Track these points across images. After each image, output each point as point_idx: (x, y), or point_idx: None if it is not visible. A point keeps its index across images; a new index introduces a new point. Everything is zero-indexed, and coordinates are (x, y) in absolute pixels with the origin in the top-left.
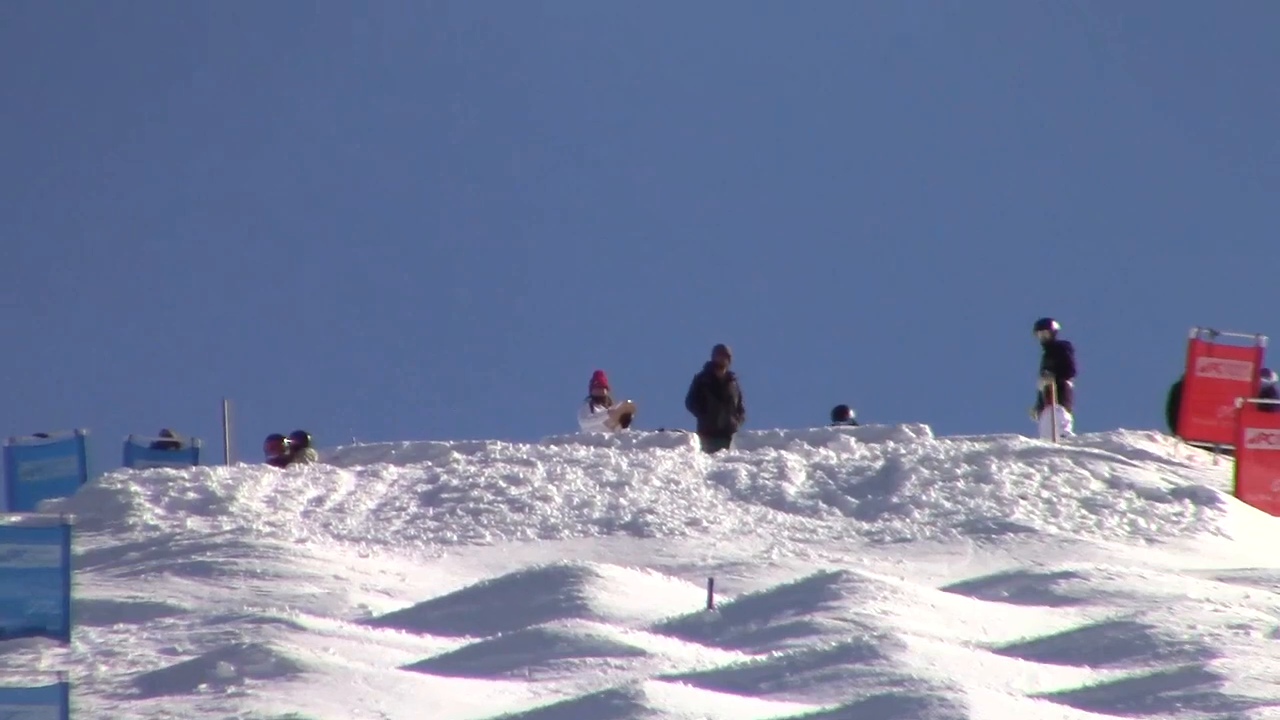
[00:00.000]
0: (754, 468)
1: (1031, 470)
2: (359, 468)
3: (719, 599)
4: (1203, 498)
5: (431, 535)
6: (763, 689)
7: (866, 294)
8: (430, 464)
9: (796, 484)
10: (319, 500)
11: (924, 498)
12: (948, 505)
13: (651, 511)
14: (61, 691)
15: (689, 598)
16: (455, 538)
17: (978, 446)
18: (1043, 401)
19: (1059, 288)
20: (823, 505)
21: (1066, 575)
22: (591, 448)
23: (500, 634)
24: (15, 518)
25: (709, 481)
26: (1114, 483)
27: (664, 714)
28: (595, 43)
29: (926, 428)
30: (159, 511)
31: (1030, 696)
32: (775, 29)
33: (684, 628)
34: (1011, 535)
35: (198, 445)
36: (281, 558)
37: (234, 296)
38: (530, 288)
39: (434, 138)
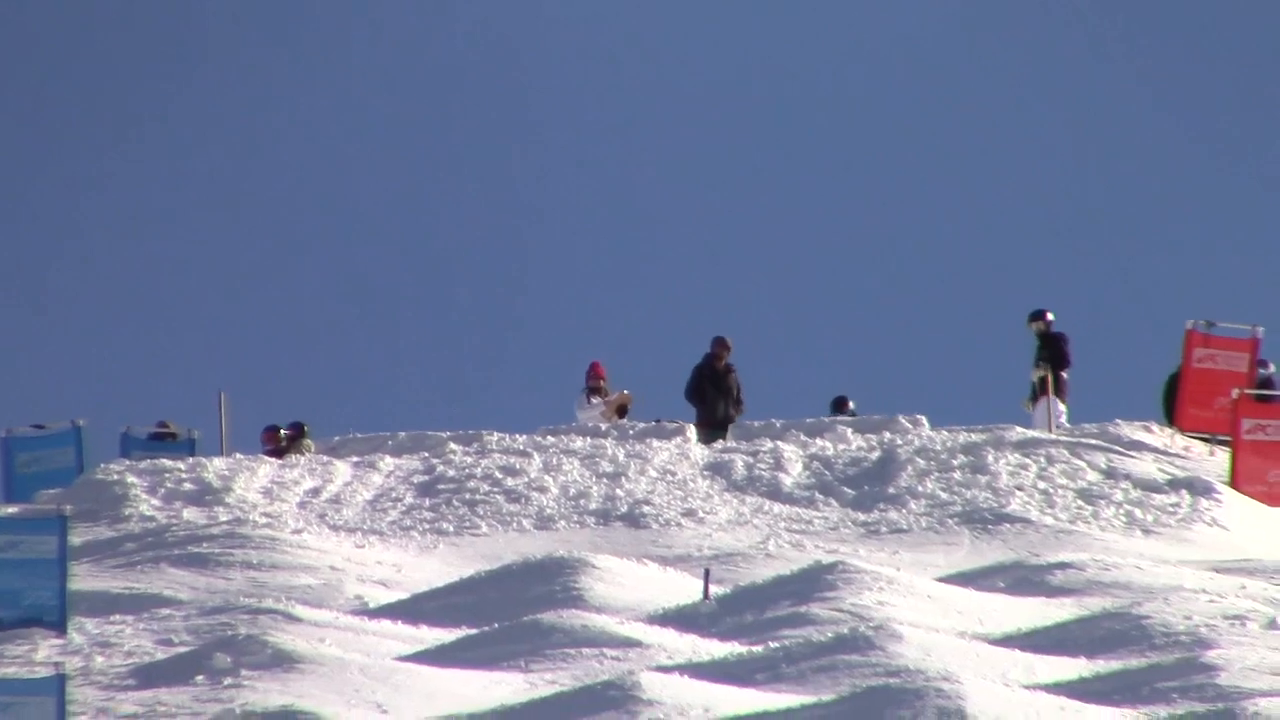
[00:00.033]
0: (750, 458)
1: (1028, 461)
2: (355, 459)
3: (715, 590)
4: (1199, 488)
5: (427, 526)
6: (759, 680)
7: (863, 286)
8: (426, 455)
9: (793, 475)
10: (315, 491)
11: (920, 488)
12: (944, 496)
13: (648, 502)
14: (58, 683)
15: (685, 588)
16: (451, 528)
17: (974, 437)
18: (1037, 392)
19: (1056, 279)
20: (819, 496)
21: (1063, 566)
22: (588, 438)
23: (496, 625)
24: (12, 509)
25: (705, 472)
26: (1110, 474)
27: (660, 705)
28: (593, 41)
29: (923, 418)
30: (155, 502)
31: (1026, 687)
32: (774, 27)
33: (680, 618)
34: (1008, 526)
35: (194, 436)
36: (278, 549)
37: (230, 289)
38: (527, 280)
39: (430, 133)
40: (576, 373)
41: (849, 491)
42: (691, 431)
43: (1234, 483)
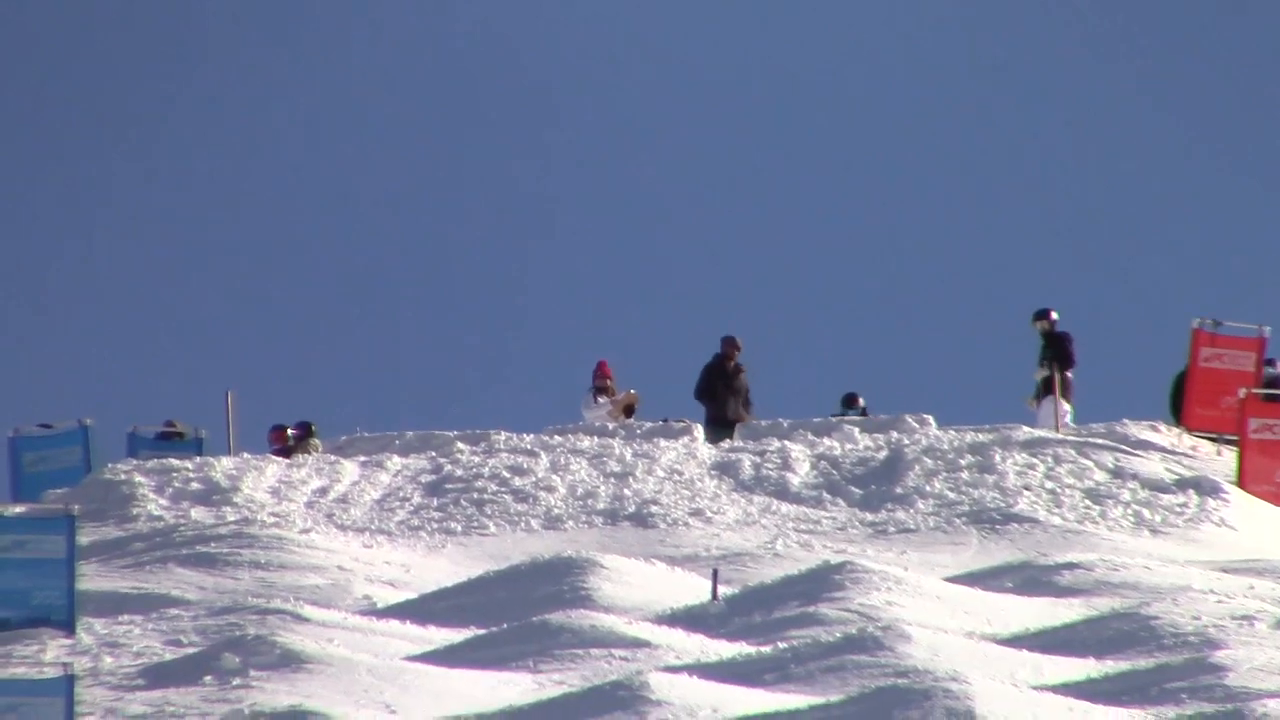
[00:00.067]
0: (758, 458)
1: (1035, 461)
2: (363, 458)
3: (723, 590)
4: (1206, 488)
5: (435, 526)
6: (767, 680)
7: (870, 285)
8: (434, 454)
9: (800, 474)
10: (323, 491)
11: (928, 488)
12: (952, 496)
13: (655, 502)
14: (67, 683)
15: (693, 588)
16: (459, 528)
17: (981, 437)
18: (1040, 392)
19: (1062, 278)
20: (827, 496)
21: (1071, 566)
22: (595, 438)
23: (504, 625)
24: (20, 508)
25: (713, 472)
26: (1118, 473)
27: (668, 705)
28: (594, 41)
29: (930, 418)
30: (163, 502)
31: (1035, 688)
32: (774, 27)
33: (688, 619)
34: (1015, 526)
35: (202, 436)
36: (286, 548)
37: (238, 288)
38: (534, 279)
39: (434, 132)
40: (583, 372)
41: (857, 491)
42: (699, 431)
43: (1241, 482)
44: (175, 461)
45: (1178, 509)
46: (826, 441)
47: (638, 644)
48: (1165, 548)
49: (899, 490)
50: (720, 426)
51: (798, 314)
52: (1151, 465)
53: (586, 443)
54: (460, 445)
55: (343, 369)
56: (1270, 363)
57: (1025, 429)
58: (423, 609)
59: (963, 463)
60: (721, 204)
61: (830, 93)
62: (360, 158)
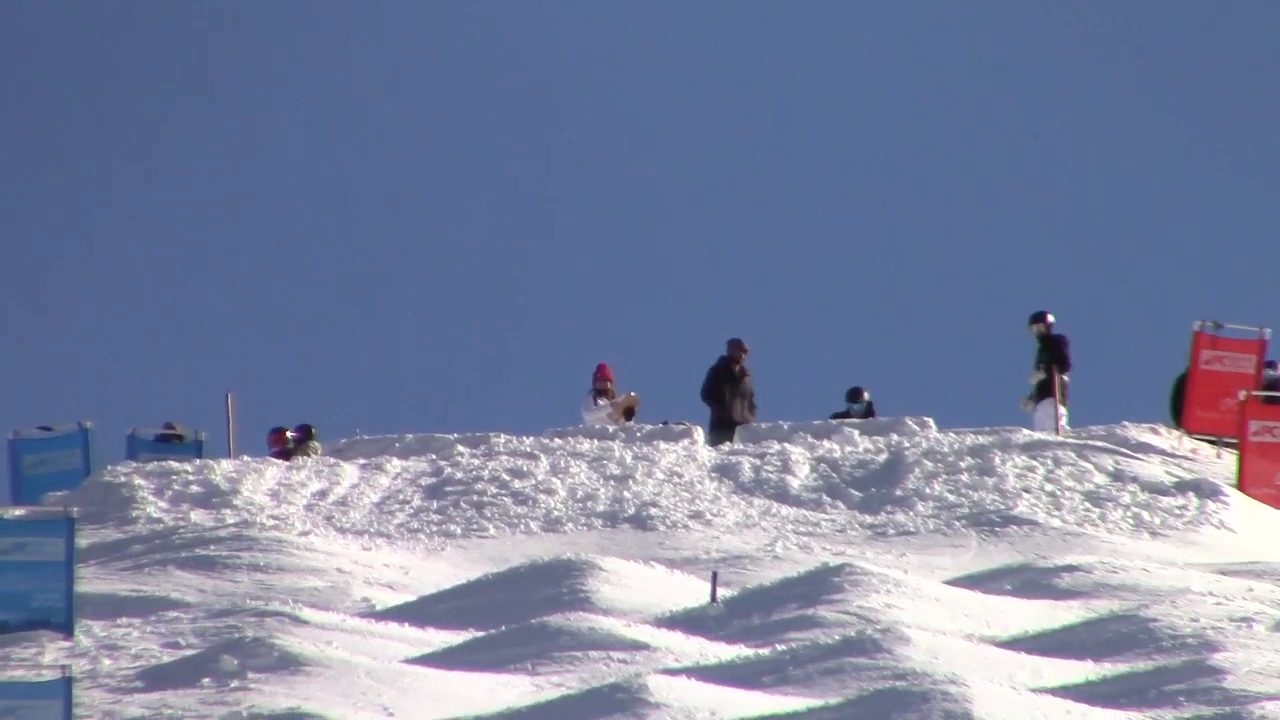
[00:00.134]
0: (757, 461)
1: (1035, 463)
2: (362, 461)
3: (722, 592)
4: (1206, 491)
5: (435, 528)
6: (766, 683)
7: (870, 286)
8: (434, 457)
9: (800, 477)
10: (322, 493)
11: (927, 491)
12: (951, 498)
13: (655, 505)
14: (65, 685)
15: (692, 591)
16: (459, 531)
17: (981, 439)
18: (1036, 394)
19: (1062, 279)
20: (826, 498)
21: (1070, 569)
22: (595, 441)
23: (503, 627)
24: (19, 511)
25: (713, 474)
26: (1117, 476)
27: (667, 708)
28: (595, 41)
29: (930, 420)
30: (162, 505)
31: (1033, 690)
32: (774, 27)
33: (687, 621)
34: (1015, 528)
35: (201, 438)
36: (285, 551)
37: (237, 290)
38: (533, 281)
39: (434, 132)
40: (583, 375)
41: (856, 494)
42: (699, 433)
43: (1241, 485)
44: (175, 464)
45: (1177, 511)
46: (826, 444)
47: (636, 646)
48: (1164, 550)
49: (898, 493)
50: (726, 429)
51: (797, 315)
52: (1151, 468)
53: (586, 445)
54: (460, 448)
55: (342, 371)
56: (1271, 365)
57: (1025, 431)
58: (422, 611)
59: (962, 465)
60: (721, 204)
61: (830, 93)
62: (360, 158)
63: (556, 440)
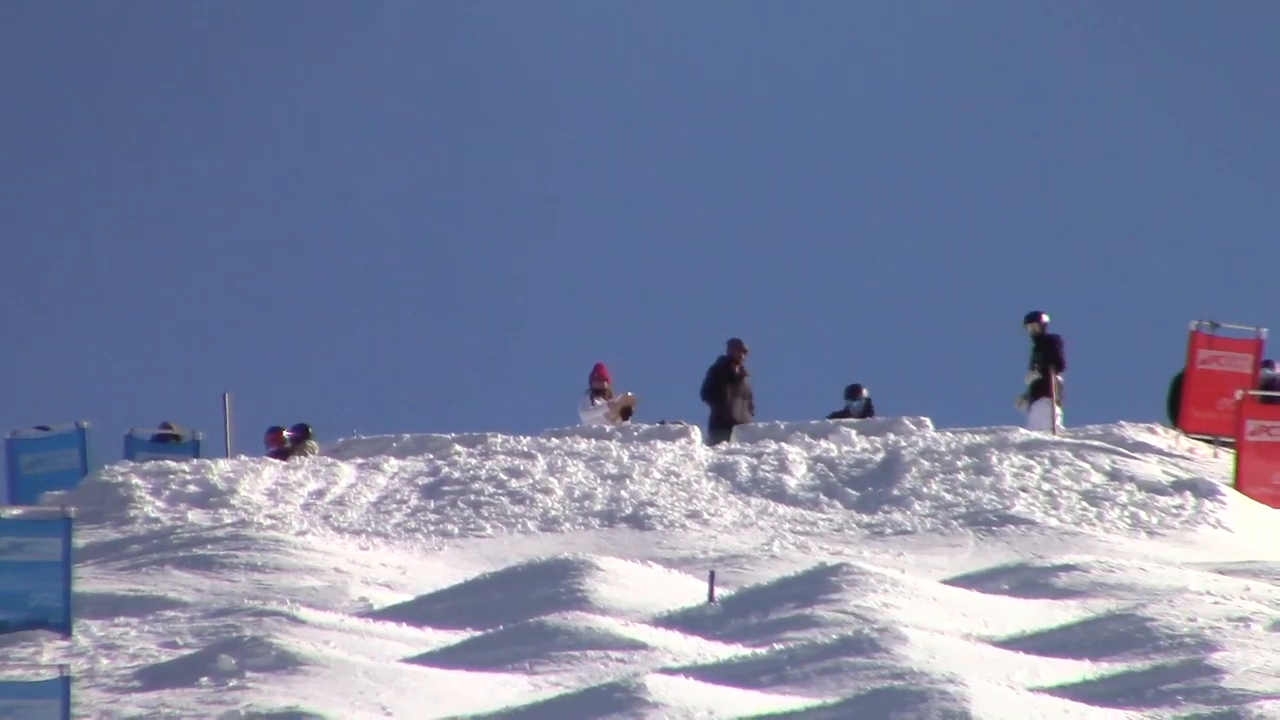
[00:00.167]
0: (755, 460)
1: (1032, 463)
2: (359, 460)
3: (720, 592)
4: (1203, 490)
5: (432, 528)
6: (763, 682)
7: (869, 286)
8: (431, 456)
9: (797, 476)
10: (319, 493)
11: (925, 490)
12: (948, 498)
13: (652, 504)
14: (63, 685)
15: (690, 590)
16: (456, 530)
17: (978, 439)
18: (1030, 394)
19: (1058, 280)
20: (823, 498)
21: (1067, 568)
22: (592, 440)
23: (501, 627)
24: (17, 511)
25: (710, 474)
26: (1114, 475)
27: (665, 707)
28: (594, 41)
29: (927, 420)
30: (160, 504)
31: (1031, 689)
32: (774, 27)
33: (685, 620)
34: (1012, 528)
35: (199, 438)
36: (282, 550)
37: (235, 290)
38: (531, 280)
39: (434, 132)
40: (580, 375)
41: (853, 493)
42: (696, 433)
43: (1238, 484)
44: (172, 464)
45: (1174, 511)
46: (823, 443)
47: (634, 646)
48: (1162, 549)
49: (896, 492)
50: (725, 428)
51: (795, 315)
52: (1148, 467)
53: (584, 445)
54: (457, 447)
55: (340, 370)
56: (1268, 364)
57: (1022, 431)
58: (419, 611)
59: (959, 464)
60: (721, 204)
61: (830, 93)
62: (360, 158)
63: (554, 440)
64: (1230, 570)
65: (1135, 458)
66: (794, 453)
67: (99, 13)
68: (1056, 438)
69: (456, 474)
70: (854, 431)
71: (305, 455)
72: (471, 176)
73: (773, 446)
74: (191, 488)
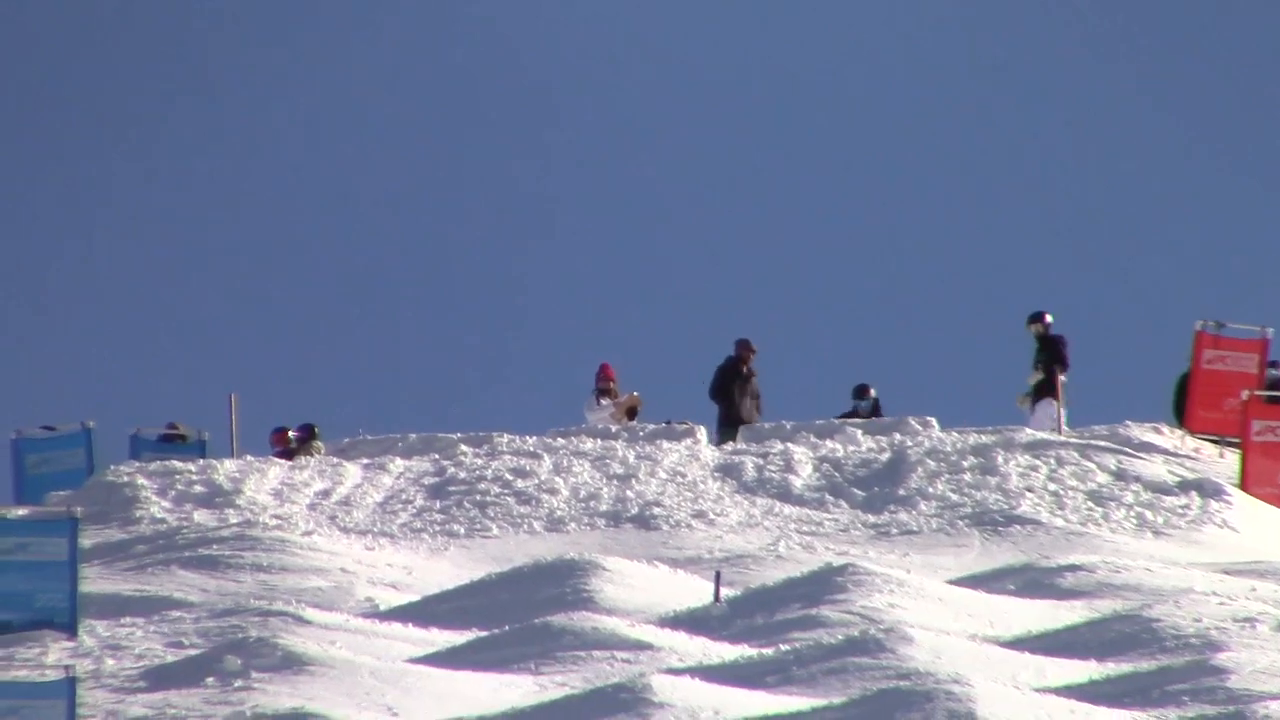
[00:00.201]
0: (760, 460)
1: (1038, 463)
2: (365, 460)
3: (726, 592)
4: (1209, 490)
5: (438, 528)
6: (769, 682)
7: (872, 285)
8: (437, 457)
9: (803, 476)
10: (325, 493)
11: (930, 490)
12: (954, 498)
13: (658, 504)
14: (69, 685)
15: (696, 591)
16: (462, 530)
17: (984, 439)
18: (1033, 394)
19: (1063, 279)
20: (829, 498)
21: (1073, 568)
22: (598, 440)
23: (507, 627)
24: (22, 511)
25: (716, 474)
26: (1120, 475)
27: (671, 707)
28: (595, 40)
29: (933, 420)
30: (166, 504)
31: (1037, 690)
32: (774, 27)
33: (691, 621)
34: (1018, 528)
35: (204, 438)
36: (288, 551)
37: (240, 290)
38: (536, 280)
39: (434, 132)
40: (584, 375)
41: (859, 493)
42: (702, 433)
43: (1244, 484)
44: (178, 464)
45: (1180, 511)
46: (829, 443)
47: (640, 646)
48: (1167, 550)
49: (901, 492)
50: (734, 428)
51: (799, 315)
52: (1154, 467)
53: (589, 445)
54: (463, 447)
55: (345, 370)
56: (1274, 365)
57: (1028, 431)
58: (425, 611)
59: (965, 464)
60: (722, 204)
61: (830, 93)
62: (360, 158)
63: (559, 440)
64: (1236, 570)
65: (1141, 458)
66: (800, 453)
67: (99, 13)
68: (1062, 438)
69: (462, 474)
70: (860, 431)
71: (311, 455)
72: (471, 176)
73: (778, 446)
74: (197, 488)
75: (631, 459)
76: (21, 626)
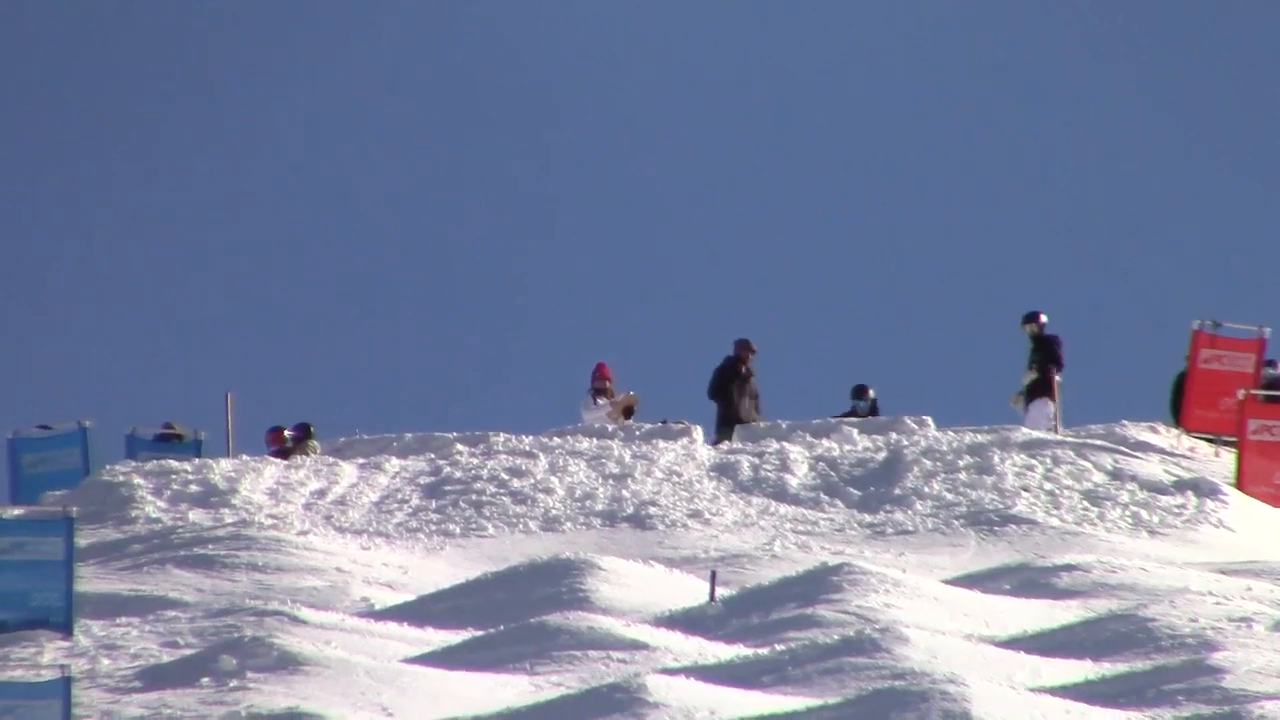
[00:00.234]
0: (756, 459)
1: (1034, 462)
2: (361, 460)
3: (721, 591)
4: (1205, 490)
5: (434, 528)
6: (765, 682)
7: (870, 285)
8: (432, 456)
9: (798, 476)
10: (321, 493)
11: (926, 489)
12: (950, 497)
13: (654, 504)
14: (64, 685)
15: (691, 590)
16: (457, 530)
17: (980, 438)
18: (1027, 393)
19: (1060, 279)
20: (825, 497)
21: (1068, 568)
22: (594, 440)
23: (502, 627)
24: (18, 510)
25: (711, 473)
26: (1116, 475)
27: (666, 707)
28: (594, 41)
29: (929, 419)
30: (161, 504)
31: (1032, 690)
32: (774, 27)
33: (686, 620)
34: (1014, 527)
35: (200, 438)
36: (283, 550)
37: (236, 289)
38: (533, 279)
39: (434, 132)
40: (582, 374)
41: (855, 493)
42: (698, 432)
43: (1240, 484)
44: (174, 463)
45: (1176, 510)
46: (825, 443)
47: (635, 646)
48: (1163, 549)
49: (897, 492)
50: (733, 427)
51: (796, 314)
52: (1150, 467)
53: (585, 444)
54: (459, 447)
55: (341, 370)
56: (1270, 364)
57: (1024, 430)
58: (421, 611)
59: (961, 464)
60: (721, 204)
61: (830, 93)
62: (360, 158)
63: (555, 439)
64: (1232, 570)
65: (1137, 457)
66: (795, 452)
67: (99, 13)
68: (1059, 437)
69: (458, 474)
70: (855, 431)
71: (307, 455)
72: (471, 176)
73: (774, 446)
74: (193, 487)
75: (627, 458)
76: (17, 626)
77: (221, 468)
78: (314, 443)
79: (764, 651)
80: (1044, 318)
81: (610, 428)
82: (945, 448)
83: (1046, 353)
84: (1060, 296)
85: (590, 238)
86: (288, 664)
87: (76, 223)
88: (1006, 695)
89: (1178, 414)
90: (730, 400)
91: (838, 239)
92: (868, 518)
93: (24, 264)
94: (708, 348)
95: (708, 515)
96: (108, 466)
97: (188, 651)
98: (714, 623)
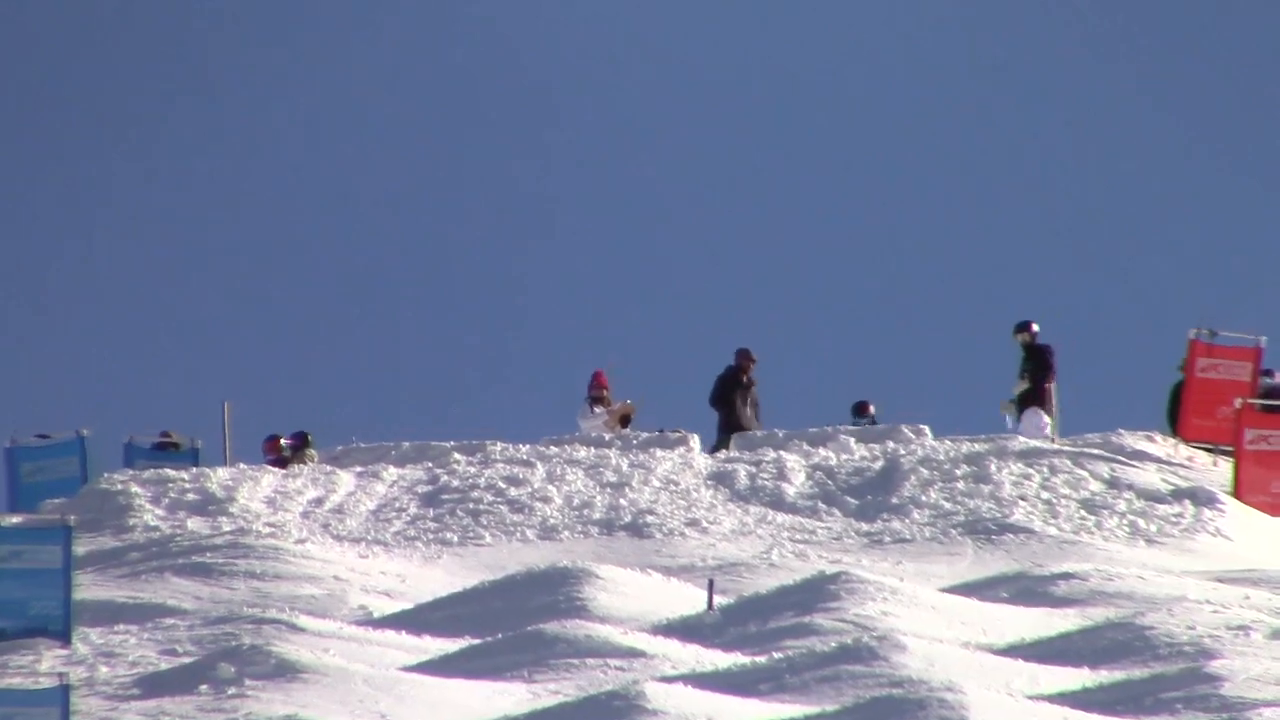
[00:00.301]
0: (753, 468)
1: (1031, 471)
2: (359, 468)
3: (719, 600)
4: (1202, 499)
5: (431, 536)
6: (762, 690)
7: (868, 290)
8: (430, 465)
9: (796, 485)
10: (319, 501)
11: (923, 498)
12: (947, 506)
13: (651, 512)
14: (62, 693)
15: (689, 599)
16: (455, 539)
17: (977, 447)
18: (1018, 403)
19: (1061, 284)
20: (822, 506)
21: (1066, 576)
22: (591, 448)
23: (500, 635)
24: (16, 519)
25: (709, 482)
26: (1113, 484)
27: (664, 715)
28: (594, 41)
29: (926, 428)
30: (159, 512)
31: (1030, 698)
32: (774, 27)
33: (684, 629)
34: (1011, 536)
35: (198, 446)
36: (281, 559)
37: (234, 297)
38: (530, 288)
39: (434, 132)
40: (580, 380)
41: (852, 501)
42: (695, 441)
43: (1237, 493)
44: (171, 472)
45: (1173, 519)
46: (822, 452)
47: (633, 654)
48: (1161, 558)
49: (894, 500)
50: (730, 435)
51: (795, 318)
52: (1147, 475)
53: (583, 453)
54: (456, 455)
55: (340, 372)
56: (1267, 373)
57: (1021, 439)
58: (418, 619)
59: (958, 473)
60: (721, 205)
61: (830, 93)
62: (360, 158)
63: (553, 448)
64: (1229, 578)
65: (1134, 466)
66: (793, 461)
67: (99, 13)
68: (1056, 446)
69: (456, 482)
70: (853, 440)
71: (304, 463)
72: (471, 176)
73: (771, 454)
74: (191, 496)
75: (625, 467)
76: (15, 634)
77: (219, 476)
78: (311, 451)
79: (762, 659)
80: (1035, 327)
81: (607, 436)
82: (942, 457)
83: (1039, 362)
84: (1059, 299)
85: (589, 238)
86: (286, 672)
87: (76, 223)
88: (1004, 703)
89: (1175, 423)
90: (732, 408)
91: (837, 240)
92: (865, 526)
93: (22, 271)
94: (706, 351)
95: (705, 524)
96: (105, 475)
97: (186, 659)
98: (712, 631)
